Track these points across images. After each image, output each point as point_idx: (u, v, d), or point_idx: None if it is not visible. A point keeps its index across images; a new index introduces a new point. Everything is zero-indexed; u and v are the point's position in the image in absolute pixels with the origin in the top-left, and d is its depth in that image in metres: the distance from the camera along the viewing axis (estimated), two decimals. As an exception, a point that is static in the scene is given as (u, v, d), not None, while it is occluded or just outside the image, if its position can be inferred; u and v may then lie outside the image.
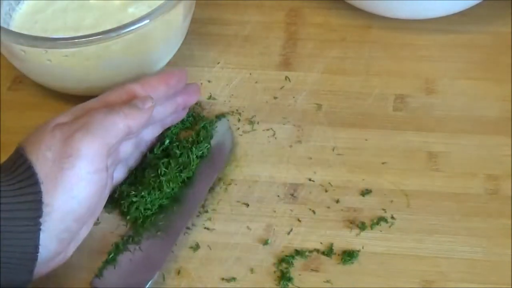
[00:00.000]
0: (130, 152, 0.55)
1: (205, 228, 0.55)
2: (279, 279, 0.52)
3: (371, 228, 0.54)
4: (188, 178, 0.57)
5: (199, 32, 0.69)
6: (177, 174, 0.56)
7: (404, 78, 0.64)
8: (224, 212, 0.56)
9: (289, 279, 0.52)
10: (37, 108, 0.63)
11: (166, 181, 0.55)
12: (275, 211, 0.56)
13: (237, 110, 0.62)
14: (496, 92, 0.62)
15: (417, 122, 0.61)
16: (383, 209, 0.55)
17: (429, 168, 0.58)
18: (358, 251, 0.53)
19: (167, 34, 0.62)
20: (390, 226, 0.54)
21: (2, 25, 0.60)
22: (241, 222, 0.55)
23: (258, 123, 0.61)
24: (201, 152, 0.58)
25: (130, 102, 0.52)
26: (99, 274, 0.52)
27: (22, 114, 0.63)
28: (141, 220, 0.54)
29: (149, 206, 0.55)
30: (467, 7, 0.66)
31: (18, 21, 0.64)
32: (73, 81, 0.60)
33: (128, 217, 0.55)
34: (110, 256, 0.53)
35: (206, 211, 0.56)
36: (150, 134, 0.57)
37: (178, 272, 0.53)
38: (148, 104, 0.52)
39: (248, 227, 0.55)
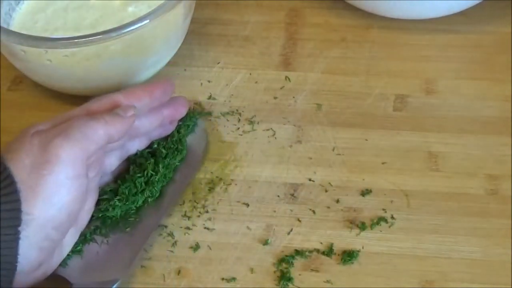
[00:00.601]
0: (115, 165, 0.55)
1: (205, 228, 0.55)
2: (279, 279, 0.52)
3: (371, 228, 0.54)
4: (170, 177, 0.57)
5: (199, 32, 0.69)
6: (165, 174, 0.56)
7: (404, 78, 0.64)
8: (224, 212, 0.56)
9: (289, 279, 0.52)
10: (37, 108, 0.63)
11: (155, 182, 0.55)
12: (275, 211, 0.56)
13: (237, 110, 0.62)
14: (496, 92, 0.62)
15: (417, 122, 0.61)
16: (383, 209, 0.55)
17: (429, 168, 0.58)
18: (358, 251, 0.53)
19: (167, 34, 0.61)
20: (390, 226, 0.54)
21: (2, 25, 0.60)
22: (241, 222, 0.55)
23: (258, 123, 0.61)
24: (182, 154, 0.58)
25: (112, 110, 0.51)
26: (63, 263, 0.51)
27: (22, 114, 0.63)
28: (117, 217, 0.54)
29: (129, 205, 0.54)
30: (467, 7, 0.66)
31: (18, 21, 0.64)
32: (73, 81, 0.60)
33: (102, 215, 0.54)
34: (77, 246, 0.52)
35: (206, 211, 0.56)
36: (136, 146, 0.56)
37: (178, 272, 0.53)
38: (130, 113, 0.51)
39: (248, 227, 0.55)
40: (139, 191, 0.55)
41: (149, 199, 0.55)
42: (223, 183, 0.58)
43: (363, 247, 0.53)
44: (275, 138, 0.60)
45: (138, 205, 0.55)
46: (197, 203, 0.57)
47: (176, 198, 0.56)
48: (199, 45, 0.68)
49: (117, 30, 0.56)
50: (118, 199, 0.54)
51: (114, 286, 0.50)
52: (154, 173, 0.55)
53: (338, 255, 0.53)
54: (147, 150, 0.57)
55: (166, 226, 0.55)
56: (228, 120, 0.62)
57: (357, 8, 0.68)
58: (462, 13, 0.66)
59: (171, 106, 0.57)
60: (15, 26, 0.63)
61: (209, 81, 0.65)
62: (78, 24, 0.63)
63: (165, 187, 0.56)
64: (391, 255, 0.53)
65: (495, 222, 0.54)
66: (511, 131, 0.59)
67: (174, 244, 0.54)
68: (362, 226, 0.54)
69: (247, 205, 0.56)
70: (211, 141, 0.61)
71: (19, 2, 0.64)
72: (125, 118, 0.51)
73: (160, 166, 0.56)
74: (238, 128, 0.61)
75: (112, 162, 0.55)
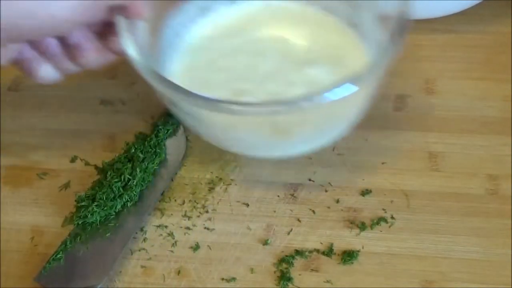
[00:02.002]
0: (55, 52, 0.52)
1: (205, 228, 0.55)
2: (279, 279, 0.52)
3: (371, 228, 0.54)
4: (149, 181, 0.57)
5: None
6: (143, 178, 0.56)
7: (404, 78, 0.64)
8: (224, 212, 0.56)
9: (289, 279, 0.52)
10: (37, 108, 0.63)
11: (133, 186, 0.55)
12: (275, 211, 0.56)
13: (237, 110, 0.62)
14: (496, 92, 0.62)
15: (417, 122, 0.61)
16: (383, 209, 0.55)
17: (429, 168, 0.58)
18: (358, 251, 0.53)
19: (363, 100, 0.51)
20: (390, 226, 0.54)
21: (162, 63, 0.54)
22: (241, 222, 0.55)
23: (258, 123, 0.61)
24: (161, 157, 0.58)
25: None
26: (43, 271, 0.51)
27: (22, 114, 0.63)
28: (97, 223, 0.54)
29: (108, 210, 0.55)
30: (467, 7, 0.66)
31: (180, 58, 0.57)
32: (230, 138, 0.53)
33: (81, 221, 0.54)
34: (57, 254, 0.52)
35: (206, 211, 0.56)
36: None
37: (178, 272, 0.53)
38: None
39: (248, 227, 0.55)
40: (117, 196, 0.55)
41: (128, 204, 0.55)
42: (223, 183, 0.58)
43: (363, 247, 0.53)
44: (275, 138, 0.60)
45: (117, 210, 0.55)
46: (197, 203, 0.57)
47: (155, 200, 0.56)
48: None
49: (307, 100, 0.45)
50: (96, 205, 0.54)
51: None
52: (131, 178, 0.56)
53: (338, 255, 0.53)
54: (124, 155, 0.57)
55: (166, 226, 0.55)
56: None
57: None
58: (462, 13, 0.66)
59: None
60: (175, 67, 0.56)
61: (209, 81, 0.65)
62: (249, 71, 0.55)
63: (144, 191, 0.56)
64: (391, 255, 0.53)
65: (495, 222, 0.54)
66: (511, 131, 0.59)
67: (174, 244, 0.54)
68: (362, 226, 0.54)
69: (247, 205, 0.56)
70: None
71: (180, 40, 0.58)
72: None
73: (138, 170, 0.56)
74: (238, 128, 0.61)
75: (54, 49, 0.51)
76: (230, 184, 0.58)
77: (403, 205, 0.55)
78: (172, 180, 0.58)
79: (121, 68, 0.66)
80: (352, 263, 0.53)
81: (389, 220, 0.55)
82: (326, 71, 0.54)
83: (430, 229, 0.54)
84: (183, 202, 0.57)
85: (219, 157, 0.59)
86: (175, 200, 0.57)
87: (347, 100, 0.46)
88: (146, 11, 0.50)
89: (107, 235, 0.54)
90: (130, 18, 0.50)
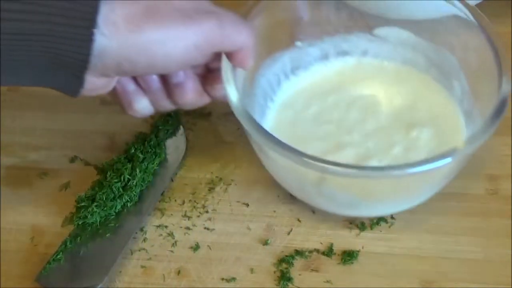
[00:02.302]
0: (157, 88, 0.53)
1: (205, 228, 0.55)
2: (279, 279, 0.52)
3: (371, 228, 0.54)
4: (149, 181, 0.57)
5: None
6: (143, 178, 0.56)
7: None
8: (224, 212, 0.56)
9: (289, 279, 0.52)
10: (37, 108, 0.63)
11: (133, 186, 0.55)
12: (275, 211, 0.56)
13: (237, 110, 0.62)
14: (496, 92, 0.62)
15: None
16: (383, 209, 0.55)
17: (429, 168, 0.58)
18: (358, 251, 0.53)
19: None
20: (390, 226, 0.54)
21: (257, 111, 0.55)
22: (241, 222, 0.55)
23: (258, 123, 0.61)
24: (161, 157, 0.58)
25: None
26: (44, 271, 0.51)
27: (22, 114, 0.63)
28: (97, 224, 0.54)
29: (108, 211, 0.55)
30: (467, 7, 0.66)
31: (273, 110, 0.58)
32: (326, 198, 0.53)
33: (81, 222, 0.54)
34: (57, 255, 0.52)
35: (206, 211, 0.56)
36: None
37: (178, 272, 0.53)
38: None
39: (248, 227, 0.55)
40: (116, 196, 0.55)
41: (128, 204, 0.55)
42: (223, 183, 0.58)
43: (363, 247, 0.53)
44: (275, 138, 0.60)
45: (117, 211, 0.55)
46: (197, 203, 0.57)
47: (156, 200, 0.56)
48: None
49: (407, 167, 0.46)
50: (96, 206, 0.54)
51: None
52: (131, 178, 0.56)
53: (338, 255, 0.53)
54: (124, 155, 0.57)
55: (166, 226, 0.55)
56: (228, 120, 0.62)
57: (354, 8, 0.68)
58: (462, 13, 0.66)
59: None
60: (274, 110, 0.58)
61: (209, 81, 0.65)
62: (349, 128, 0.56)
63: (144, 191, 0.56)
64: (391, 255, 0.53)
65: (495, 222, 0.54)
66: (511, 131, 0.59)
67: (174, 244, 0.54)
68: (362, 226, 0.54)
69: (247, 205, 0.56)
70: (211, 141, 0.61)
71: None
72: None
73: (137, 170, 0.56)
74: (238, 128, 0.61)
75: (153, 84, 0.52)
76: (230, 184, 0.58)
77: (403, 205, 0.56)
78: (172, 180, 0.58)
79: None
80: (352, 263, 0.53)
81: (389, 220, 0.55)
82: (426, 134, 0.55)
83: (430, 229, 0.54)
84: (183, 202, 0.57)
85: (219, 157, 0.60)
86: (175, 200, 0.57)
87: (439, 171, 0.49)
88: (252, 60, 0.51)
89: (107, 235, 0.54)
90: (236, 66, 0.51)
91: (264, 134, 0.48)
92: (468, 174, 0.56)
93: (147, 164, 0.57)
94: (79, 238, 0.53)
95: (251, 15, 0.54)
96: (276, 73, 0.59)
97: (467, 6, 0.54)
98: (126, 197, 0.55)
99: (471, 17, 0.54)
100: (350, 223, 0.55)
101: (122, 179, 0.56)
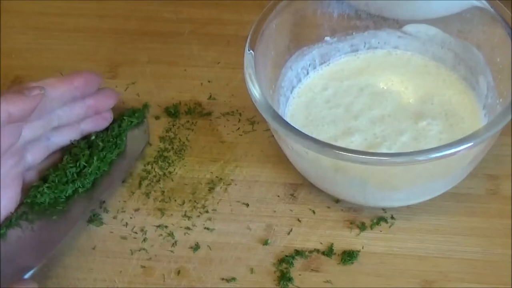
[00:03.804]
0: (40, 158, 0.55)
1: (205, 228, 0.55)
2: (279, 279, 0.52)
3: (371, 228, 0.54)
4: (104, 170, 0.57)
5: (199, 32, 0.69)
6: (98, 166, 0.56)
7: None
8: (224, 212, 0.56)
9: (289, 279, 0.52)
10: (37, 108, 0.63)
11: (88, 173, 0.55)
12: (275, 211, 0.56)
13: (237, 110, 0.62)
14: (496, 92, 0.62)
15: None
16: (383, 209, 0.55)
17: (429, 168, 0.58)
18: (358, 251, 0.53)
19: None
20: (390, 226, 0.54)
21: (280, 101, 0.57)
22: (241, 222, 0.55)
23: (258, 123, 0.61)
24: (121, 149, 0.58)
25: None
26: None
27: (22, 114, 0.63)
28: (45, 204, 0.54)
29: (58, 194, 0.54)
30: (467, 7, 0.66)
31: (296, 95, 0.59)
32: (354, 189, 0.53)
33: (30, 200, 0.54)
34: (1, 229, 0.51)
35: (206, 211, 0.56)
36: (62, 138, 0.56)
37: (178, 272, 0.53)
38: (35, 92, 0.50)
39: (248, 227, 0.55)
40: (69, 180, 0.55)
41: (80, 190, 0.55)
42: (223, 183, 0.58)
43: (363, 247, 0.53)
44: (275, 138, 0.60)
45: (67, 195, 0.54)
46: (197, 203, 0.57)
47: (109, 191, 0.56)
48: (199, 45, 0.68)
49: (427, 153, 0.47)
50: (47, 187, 0.54)
51: (28, 274, 0.49)
52: (87, 165, 0.55)
53: (338, 255, 0.53)
54: (83, 141, 0.57)
55: (166, 226, 0.55)
56: (228, 120, 0.62)
57: (353, 8, 0.68)
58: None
59: (96, 97, 0.57)
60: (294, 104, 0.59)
61: (209, 81, 0.65)
62: (361, 114, 0.57)
63: (99, 180, 0.56)
64: (391, 255, 0.53)
65: (495, 222, 0.54)
66: (511, 131, 0.59)
67: (174, 244, 0.54)
68: (362, 226, 0.54)
69: (247, 205, 0.56)
70: (211, 140, 0.61)
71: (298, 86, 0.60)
72: (28, 97, 0.50)
73: (95, 158, 0.56)
74: (238, 128, 0.61)
75: (36, 154, 0.54)
76: (230, 184, 0.58)
77: (403, 205, 0.55)
78: (128, 174, 0.58)
79: (121, 68, 0.67)
80: (352, 263, 0.53)
81: (389, 220, 0.55)
82: (437, 127, 0.55)
83: (430, 229, 0.54)
84: (183, 202, 0.57)
85: (219, 157, 0.60)
86: (175, 200, 0.57)
87: (458, 159, 0.49)
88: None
89: (53, 217, 0.53)
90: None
91: (283, 125, 0.49)
92: (468, 174, 0.56)
93: (106, 154, 0.57)
94: (25, 216, 0.53)
95: (278, 8, 0.56)
96: (304, 67, 0.60)
97: (490, 2, 0.55)
98: (78, 183, 0.55)
99: (495, 12, 0.55)
100: (350, 223, 0.55)
101: (77, 165, 0.55)
